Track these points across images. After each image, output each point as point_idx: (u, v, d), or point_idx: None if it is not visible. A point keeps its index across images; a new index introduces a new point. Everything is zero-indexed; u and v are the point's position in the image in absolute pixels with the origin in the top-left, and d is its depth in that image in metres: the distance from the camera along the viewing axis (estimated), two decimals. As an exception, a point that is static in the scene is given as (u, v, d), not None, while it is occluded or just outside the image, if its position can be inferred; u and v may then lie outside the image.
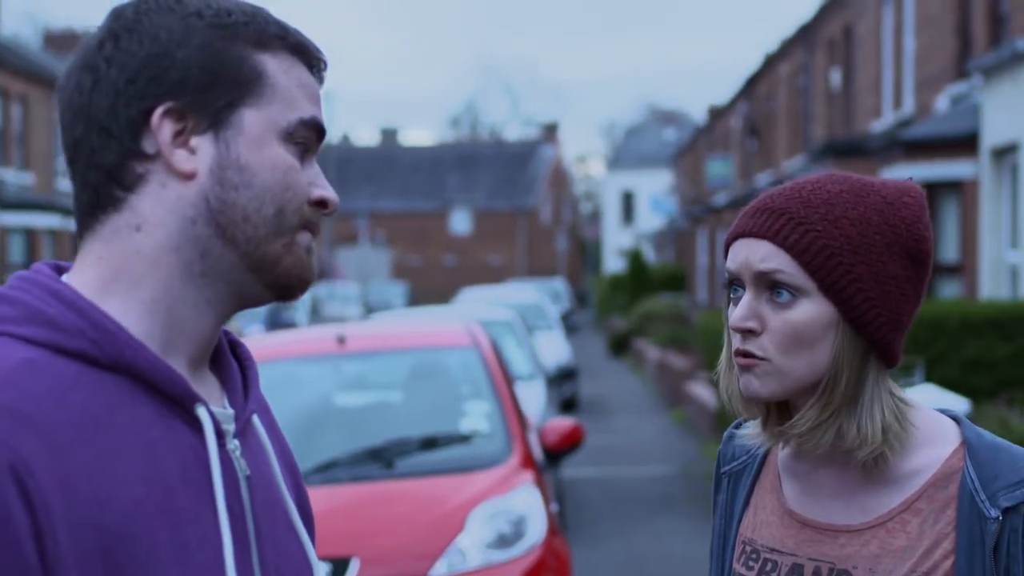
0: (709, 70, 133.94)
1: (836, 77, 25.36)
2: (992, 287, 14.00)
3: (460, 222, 68.94)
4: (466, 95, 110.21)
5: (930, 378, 9.69)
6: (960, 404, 7.23)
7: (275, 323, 25.15)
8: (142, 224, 1.39)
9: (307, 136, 1.44)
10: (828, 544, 1.80)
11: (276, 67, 1.43)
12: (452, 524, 5.47)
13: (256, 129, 1.40)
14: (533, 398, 10.75)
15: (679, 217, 47.82)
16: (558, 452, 7.08)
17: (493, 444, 6.16)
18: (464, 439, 6.33)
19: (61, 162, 33.48)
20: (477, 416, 6.54)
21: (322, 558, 4.96)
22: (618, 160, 77.69)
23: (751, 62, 60.64)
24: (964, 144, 14.69)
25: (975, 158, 14.59)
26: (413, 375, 7.02)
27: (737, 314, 1.77)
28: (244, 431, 1.47)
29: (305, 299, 26.52)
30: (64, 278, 1.41)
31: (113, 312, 1.37)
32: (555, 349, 19.24)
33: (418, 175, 71.02)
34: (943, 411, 1.85)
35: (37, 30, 51.04)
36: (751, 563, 1.88)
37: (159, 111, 1.38)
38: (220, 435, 1.41)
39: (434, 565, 5.29)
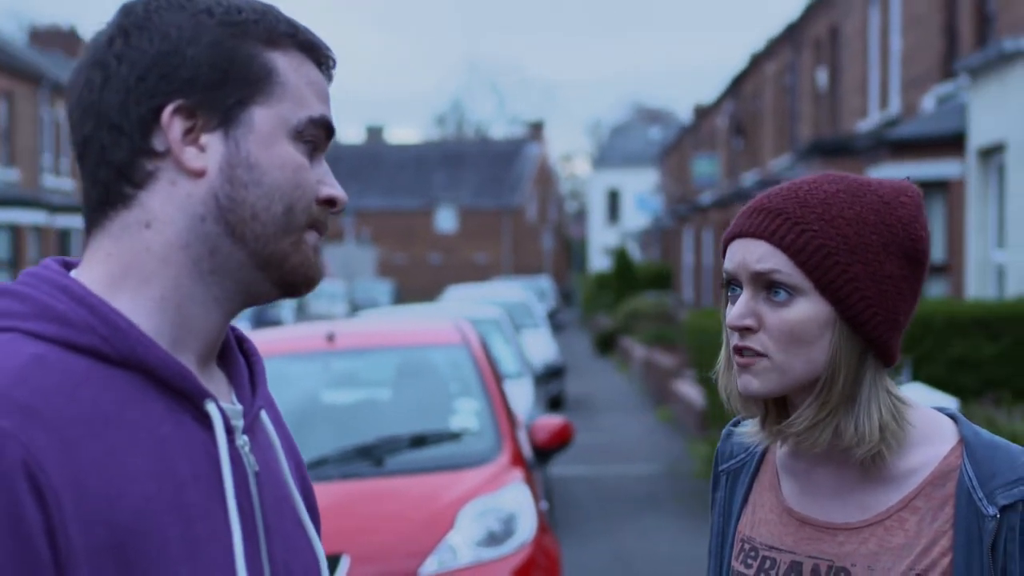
0: (695, 69, 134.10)
1: (822, 76, 25.38)
2: (978, 287, 14.02)
3: (446, 220, 68.85)
4: (452, 93, 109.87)
5: (916, 377, 9.70)
6: (949, 403, 7.25)
7: (261, 321, 25.12)
8: (152, 221, 1.39)
9: (316, 134, 1.44)
10: (826, 542, 1.81)
11: (286, 65, 1.43)
12: (442, 521, 5.47)
13: (266, 127, 1.40)
14: (521, 396, 10.76)
15: (665, 216, 47.81)
16: (548, 450, 7.08)
17: (483, 442, 6.16)
18: (454, 437, 6.33)
19: (47, 159, 33.40)
20: (467, 414, 6.53)
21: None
22: (604, 159, 77.64)
23: (737, 61, 60.67)
24: (951, 144, 14.69)
25: (962, 158, 14.61)
26: (403, 373, 7.01)
27: (734, 312, 1.78)
28: (252, 427, 1.47)
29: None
30: (73, 274, 1.41)
31: (123, 309, 1.37)
32: (542, 347, 19.26)
33: (404, 173, 70.91)
34: (940, 409, 1.85)
35: (22, 26, 50.86)
36: (750, 561, 1.88)
37: (169, 109, 1.38)
38: (229, 431, 1.41)
39: (424, 562, 5.29)
